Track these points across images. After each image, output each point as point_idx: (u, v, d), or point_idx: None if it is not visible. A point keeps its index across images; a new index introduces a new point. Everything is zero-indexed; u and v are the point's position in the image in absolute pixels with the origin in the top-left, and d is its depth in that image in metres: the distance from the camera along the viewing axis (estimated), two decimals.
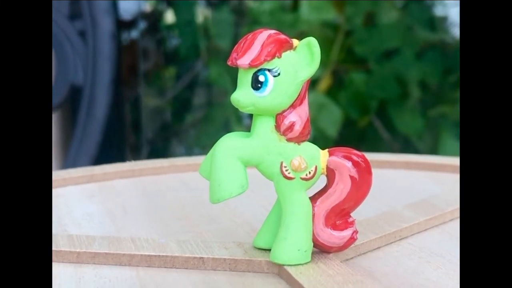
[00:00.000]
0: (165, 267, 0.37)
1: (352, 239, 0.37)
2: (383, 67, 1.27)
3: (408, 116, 1.26)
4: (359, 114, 1.30)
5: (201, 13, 1.48)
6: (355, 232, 0.37)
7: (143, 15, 1.51)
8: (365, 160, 0.36)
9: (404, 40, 1.27)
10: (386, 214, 0.45)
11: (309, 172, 0.35)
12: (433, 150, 1.25)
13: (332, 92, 1.29)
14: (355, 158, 0.35)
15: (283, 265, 0.35)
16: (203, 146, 1.48)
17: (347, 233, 0.36)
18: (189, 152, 1.49)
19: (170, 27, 1.52)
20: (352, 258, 0.38)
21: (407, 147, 1.28)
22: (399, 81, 1.27)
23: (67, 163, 1.19)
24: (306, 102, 0.35)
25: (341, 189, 0.35)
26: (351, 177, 0.35)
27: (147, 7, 1.53)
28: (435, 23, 1.31)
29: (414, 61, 1.26)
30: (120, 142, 1.44)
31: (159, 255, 0.38)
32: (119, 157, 1.36)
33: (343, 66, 1.30)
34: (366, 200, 0.51)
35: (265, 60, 0.33)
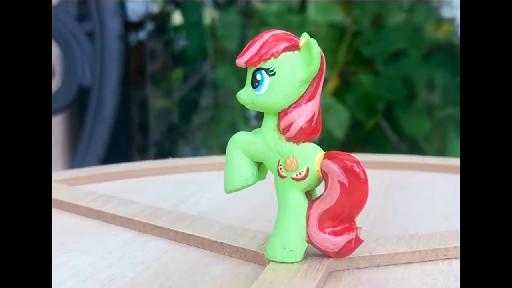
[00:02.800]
0: (196, 247, 0.41)
1: (349, 247, 0.35)
2: (390, 69, 1.27)
3: (415, 118, 1.26)
4: (366, 116, 1.30)
5: (209, 14, 1.48)
6: (354, 240, 0.35)
7: (150, 17, 1.51)
8: (359, 167, 0.34)
9: (411, 42, 1.27)
10: (451, 231, 0.42)
11: (299, 173, 0.35)
12: (441, 152, 1.25)
13: (339, 93, 1.29)
14: (346, 163, 0.34)
15: (271, 261, 0.36)
16: (210, 147, 1.48)
17: (341, 239, 0.35)
18: (195, 153, 1.50)
19: (177, 28, 1.52)
20: (365, 268, 0.37)
21: (414, 148, 1.28)
22: (406, 83, 1.27)
23: (74, 163, 1.20)
24: (312, 103, 0.35)
25: (332, 194, 0.34)
26: (341, 183, 0.34)
27: (155, 8, 1.54)
28: (442, 25, 1.31)
29: (421, 63, 1.26)
30: (127, 143, 1.45)
31: (194, 235, 0.41)
32: (126, 158, 1.37)
33: (350, 68, 1.30)
34: (451, 214, 0.48)
35: (260, 60, 0.34)
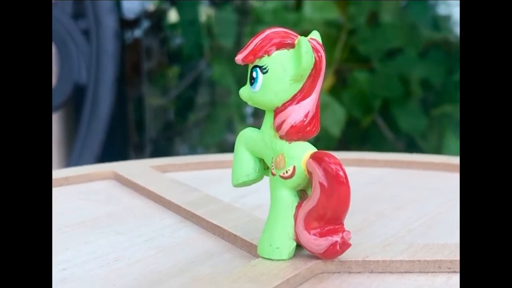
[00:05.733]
0: (220, 237, 0.42)
1: (333, 250, 0.35)
2: (387, 66, 1.27)
3: (411, 115, 1.26)
4: (362, 113, 1.30)
5: (205, 12, 1.48)
6: (339, 243, 0.34)
7: (146, 14, 1.51)
8: (339, 169, 0.33)
9: (407, 39, 1.27)
10: None
11: (286, 172, 0.35)
12: (437, 149, 1.25)
13: (335, 91, 1.29)
14: (328, 164, 0.33)
15: (260, 256, 0.36)
16: (206, 145, 1.48)
17: (324, 241, 0.35)
18: (192, 151, 1.50)
19: (173, 26, 1.52)
20: (358, 273, 0.36)
21: (411, 146, 1.28)
22: (402, 80, 1.27)
23: (71, 162, 1.20)
24: (306, 102, 0.35)
25: (314, 195, 0.34)
26: (320, 184, 0.34)
27: (151, 6, 1.53)
28: (438, 22, 1.31)
29: (417, 60, 1.26)
30: (123, 141, 1.45)
31: (218, 226, 0.42)
32: (122, 156, 1.37)
33: (347, 65, 1.30)
34: None
35: (255, 57, 0.35)
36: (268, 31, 0.35)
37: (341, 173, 0.34)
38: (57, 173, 0.57)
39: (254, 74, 0.35)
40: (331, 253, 0.35)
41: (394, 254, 0.37)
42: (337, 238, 0.35)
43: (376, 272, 0.36)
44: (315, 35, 0.36)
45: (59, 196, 0.52)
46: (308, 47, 0.34)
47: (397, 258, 0.37)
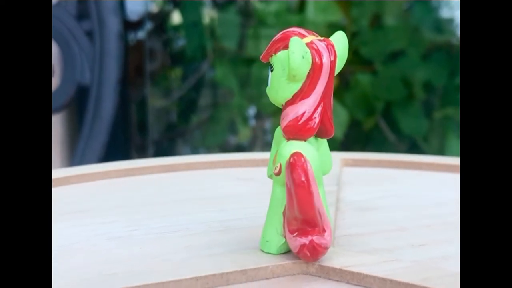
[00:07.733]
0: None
1: (302, 252, 0.34)
2: (389, 69, 1.28)
3: (414, 118, 1.27)
4: (364, 116, 1.30)
5: (208, 14, 1.48)
6: (307, 246, 0.34)
7: (149, 16, 1.51)
8: (301, 172, 0.33)
9: (410, 42, 1.27)
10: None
11: (275, 168, 0.36)
12: (440, 152, 1.25)
13: (338, 93, 1.29)
14: (291, 167, 0.34)
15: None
16: (208, 146, 1.48)
17: (294, 241, 0.34)
18: (194, 153, 1.50)
19: (176, 27, 1.52)
20: (336, 281, 0.35)
21: (413, 148, 1.28)
22: (404, 83, 1.27)
23: (73, 162, 1.20)
24: (304, 102, 0.35)
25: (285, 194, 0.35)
26: (286, 184, 0.34)
27: (154, 7, 1.54)
28: (441, 25, 1.31)
29: (420, 63, 1.26)
30: (126, 142, 1.45)
31: None
32: (125, 157, 1.37)
33: (349, 68, 1.30)
34: None
35: (268, 56, 0.36)
36: (285, 30, 0.35)
37: (302, 176, 0.33)
38: (256, 155, 0.62)
39: (268, 72, 0.36)
40: (303, 255, 0.35)
41: (376, 270, 0.34)
42: (305, 240, 0.34)
43: (352, 284, 0.35)
44: (337, 36, 0.36)
45: (232, 174, 0.57)
46: (297, 48, 0.34)
47: (373, 274, 0.34)
